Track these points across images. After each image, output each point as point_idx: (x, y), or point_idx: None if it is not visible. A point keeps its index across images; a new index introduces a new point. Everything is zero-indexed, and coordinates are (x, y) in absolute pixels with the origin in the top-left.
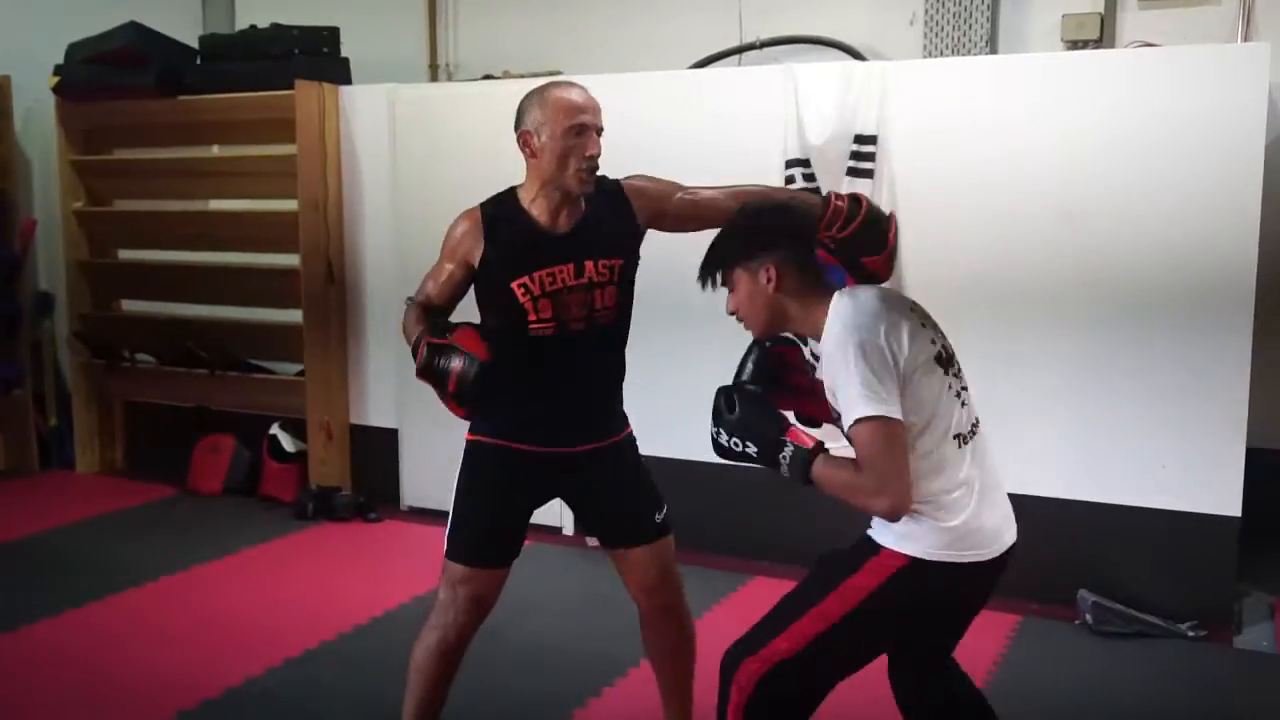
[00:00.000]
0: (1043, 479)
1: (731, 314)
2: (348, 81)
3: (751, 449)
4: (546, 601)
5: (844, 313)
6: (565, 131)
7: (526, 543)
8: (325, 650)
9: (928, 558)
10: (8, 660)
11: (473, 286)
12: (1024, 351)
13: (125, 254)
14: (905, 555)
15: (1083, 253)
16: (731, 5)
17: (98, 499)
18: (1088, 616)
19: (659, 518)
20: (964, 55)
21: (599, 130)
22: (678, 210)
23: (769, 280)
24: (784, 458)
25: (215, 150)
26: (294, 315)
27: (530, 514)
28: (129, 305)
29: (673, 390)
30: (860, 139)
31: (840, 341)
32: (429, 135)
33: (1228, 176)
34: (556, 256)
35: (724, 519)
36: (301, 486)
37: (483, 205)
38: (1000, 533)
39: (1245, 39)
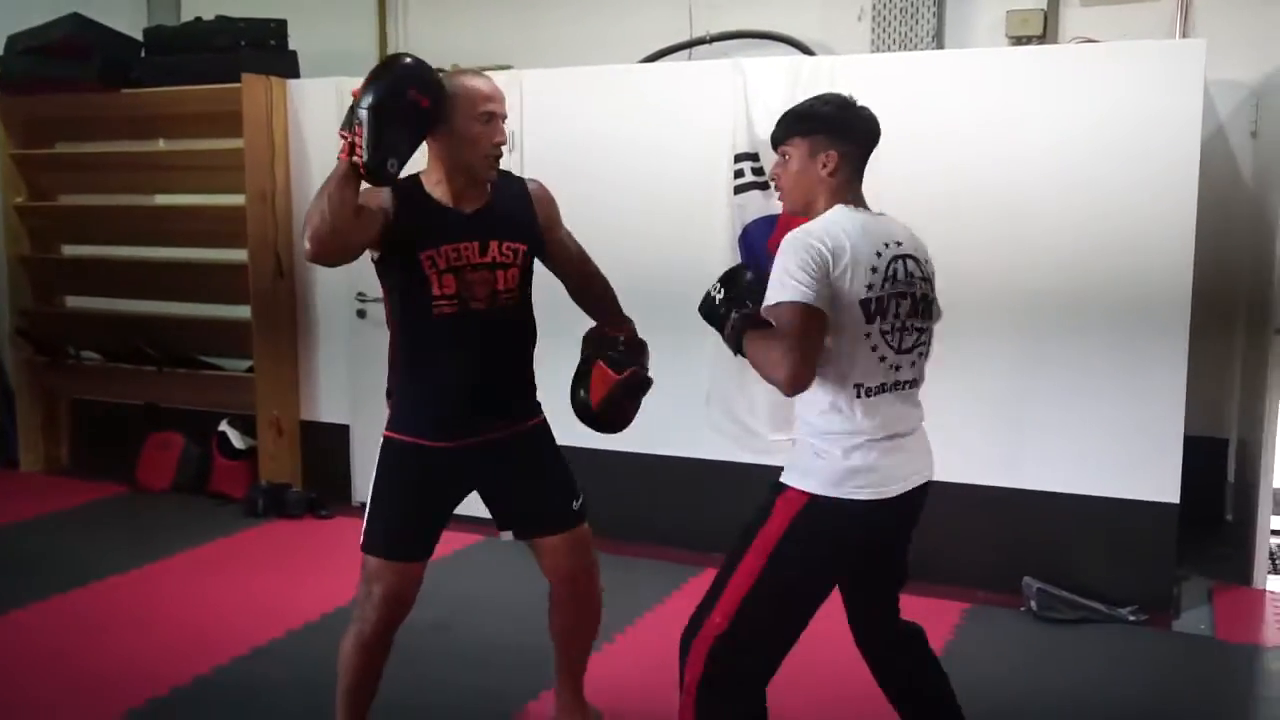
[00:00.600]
0: (989, 469)
1: (771, 180)
2: (296, 75)
3: (719, 295)
4: (492, 598)
5: (821, 220)
6: (474, 118)
7: (473, 539)
8: (276, 647)
9: (825, 493)
10: None
11: (377, 268)
12: (967, 344)
13: (70, 249)
14: (806, 492)
15: (1024, 246)
16: (682, 0)
17: (43, 497)
18: (1033, 603)
19: (575, 505)
20: (911, 50)
21: (504, 118)
22: (562, 241)
23: (825, 165)
24: (736, 313)
25: (161, 144)
26: (243, 310)
27: (447, 510)
28: (74, 301)
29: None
30: None
31: (798, 236)
32: None
33: (1165, 170)
34: (462, 234)
35: (683, 510)
36: (252, 483)
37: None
38: (905, 477)
39: (1183, 35)
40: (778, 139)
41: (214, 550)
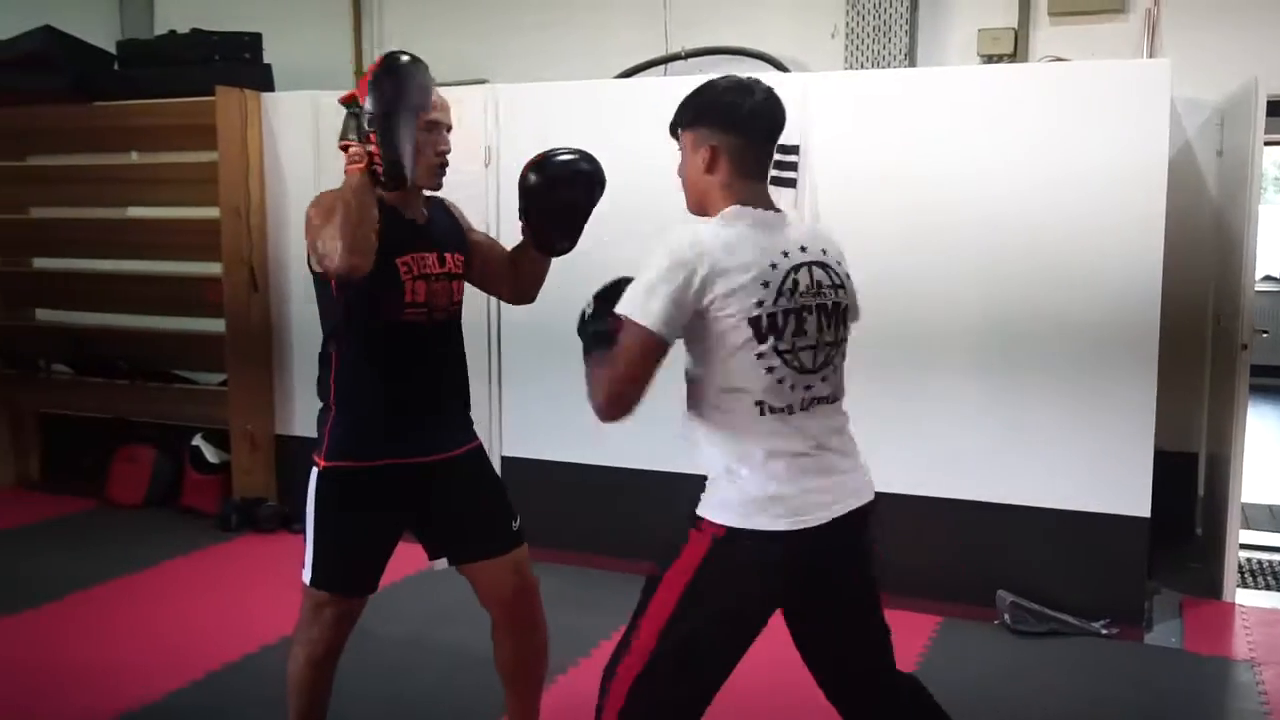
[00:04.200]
0: (962, 483)
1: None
2: (270, 88)
3: (588, 312)
4: (463, 611)
5: (705, 225)
6: (420, 127)
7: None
8: (248, 663)
9: (737, 525)
10: None
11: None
12: (941, 361)
13: (40, 262)
14: (718, 524)
15: (995, 261)
16: (657, 16)
17: (12, 512)
18: (1006, 616)
19: (514, 525)
20: (884, 68)
21: (449, 128)
22: (479, 239)
23: (703, 160)
24: (588, 329)
25: (134, 157)
26: (216, 324)
27: (391, 537)
28: (43, 314)
29: None
30: (783, 149)
31: (670, 244)
32: None
33: (1134, 187)
34: (423, 243)
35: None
36: (225, 498)
37: None
38: (829, 504)
39: (1150, 54)
40: (671, 129)
41: (186, 565)
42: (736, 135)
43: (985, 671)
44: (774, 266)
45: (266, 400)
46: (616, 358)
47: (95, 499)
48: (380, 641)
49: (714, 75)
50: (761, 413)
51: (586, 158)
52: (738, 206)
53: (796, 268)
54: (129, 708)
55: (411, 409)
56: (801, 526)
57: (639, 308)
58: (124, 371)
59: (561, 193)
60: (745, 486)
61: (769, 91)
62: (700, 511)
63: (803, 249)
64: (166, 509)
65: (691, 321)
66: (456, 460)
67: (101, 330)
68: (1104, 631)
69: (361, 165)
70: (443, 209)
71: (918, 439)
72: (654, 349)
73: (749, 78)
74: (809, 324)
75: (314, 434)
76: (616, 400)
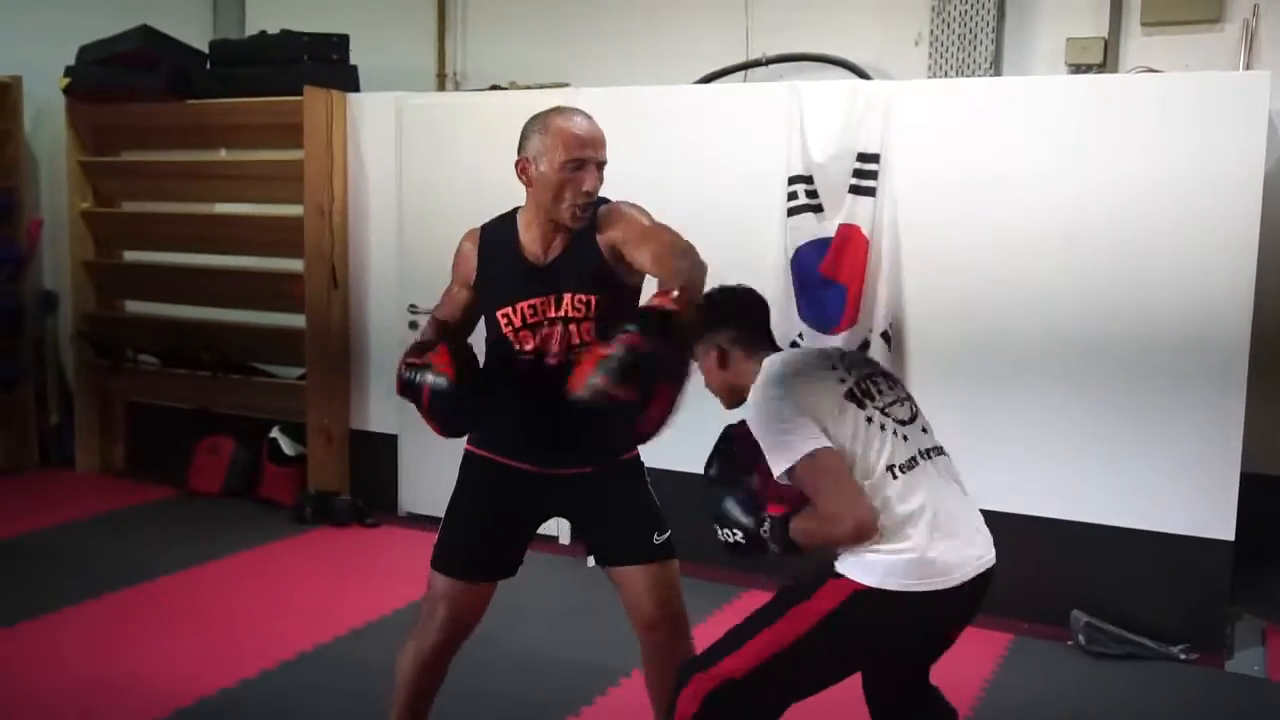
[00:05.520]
0: (1038, 500)
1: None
2: (356, 89)
3: (740, 538)
4: (540, 609)
5: (760, 381)
6: (563, 165)
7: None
8: (320, 653)
9: (882, 587)
10: (3, 657)
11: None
12: (1022, 374)
13: (131, 255)
14: (859, 584)
15: (1082, 276)
16: (739, 22)
17: (97, 498)
18: (1080, 637)
19: (658, 538)
20: (968, 76)
21: (600, 164)
22: (634, 254)
23: (713, 363)
24: (764, 532)
25: (223, 154)
26: (297, 319)
27: (525, 531)
28: (133, 306)
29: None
30: (863, 157)
31: (755, 405)
32: (435, 143)
33: (1227, 203)
34: (538, 289)
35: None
36: (300, 490)
37: (484, 225)
38: (962, 562)
39: (1247, 66)
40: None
41: (262, 555)
42: (731, 329)
43: (1058, 692)
44: (826, 356)
45: (343, 395)
46: (826, 485)
47: (176, 487)
48: None
49: (794, 81)
50: (894, 476)
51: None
52: (766, 361)
53: (841, 353)
54: (205, 694)
55: (528, 432)
56: (938, 588)
57: (795, 447)
58: (207, 363)
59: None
60: (888, 550)
61: (737, 291)
62: (840, 568)
63: (830, 349)
64: (244, 499)
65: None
66: (591, 476)
67: (187, 322)
68: (1183, 656)
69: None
70: (588, 239)
71: (995, 453)
72: (834, 460)
73: (722, 287)
74: (881, 385)
75: (387, 430)
76: (863, 513)
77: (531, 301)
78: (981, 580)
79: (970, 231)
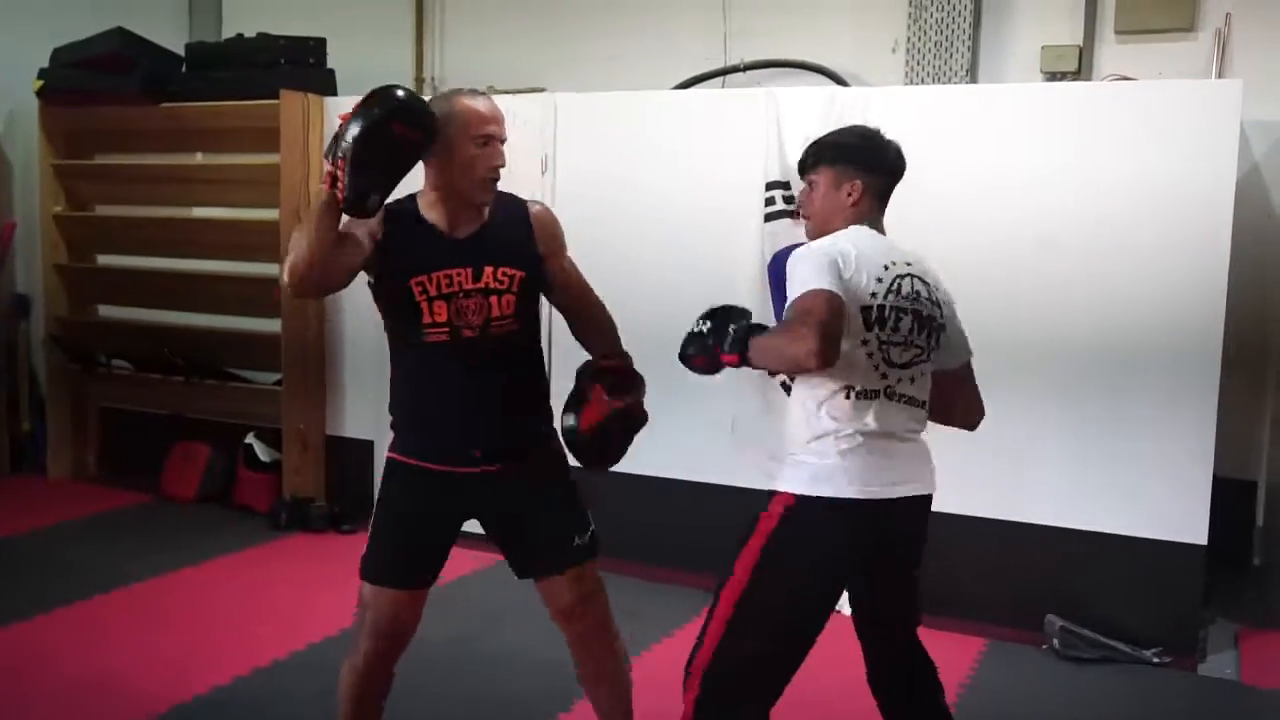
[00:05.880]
0: (1013, 504)
1: (797, 209)
2: (333, 92)
3: (706, 326)
4: (517, 611)
5: (832, 235)
6: (472, 141)
7: (497, 557)
8: (295, 660)
9: (806, 493)
10: None
11: (372, 292)
12: (997, 379)
13: (104, 259)
14: (788, 494)
15: (1056, 281)
16: (717, 28)
17: (69, 504)
18: (1055, 641)
19: (580, 540)
20: (944, 83)
21: (503, 141)
22: (564, 269)
23: (849, 195)
24: (731, 330)
25: (199, 158)
26: (273, 324)
27: (447, 536)
28: (107, 310)
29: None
30: None
31: (804, 249)
32: None
33: (1199, 208)
34: (454, 259)
35: (709, 534)
36: (276, 496)
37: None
38: (895, 481)
39: (1219, 74)
40: (805, 167)
41: (236, 561)
42: (875, 175)
43: (1033, 698)
44: (885, 268)
45: (319, 401)
46: (811, 314)
47: (150, 493)
48: (432, 642)
49: (772, 88)
50: (847, 396)
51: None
52: (856, 226)
53: (902, 275)
54: (180, 700)
55: (446, 422)
56: (867, 497)
57: (814, 284)
58: (181, 368)
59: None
60: (818, 459)
61: (895, 143)
62: (774, 487)
63: (908, 264)
64: (219, 505)
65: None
66: (513, 471)
67: (161, 327)
68: (1156, 660)
69: (327, 186)
70: (516, 220)
71: (968, 458)
72: (841, 306)
73: (877, 130)
74: (904, 324)
75: (364, 436)
76: (825, 347)
77: (448, 271)
78: (916, 506)
79: (946, 237)
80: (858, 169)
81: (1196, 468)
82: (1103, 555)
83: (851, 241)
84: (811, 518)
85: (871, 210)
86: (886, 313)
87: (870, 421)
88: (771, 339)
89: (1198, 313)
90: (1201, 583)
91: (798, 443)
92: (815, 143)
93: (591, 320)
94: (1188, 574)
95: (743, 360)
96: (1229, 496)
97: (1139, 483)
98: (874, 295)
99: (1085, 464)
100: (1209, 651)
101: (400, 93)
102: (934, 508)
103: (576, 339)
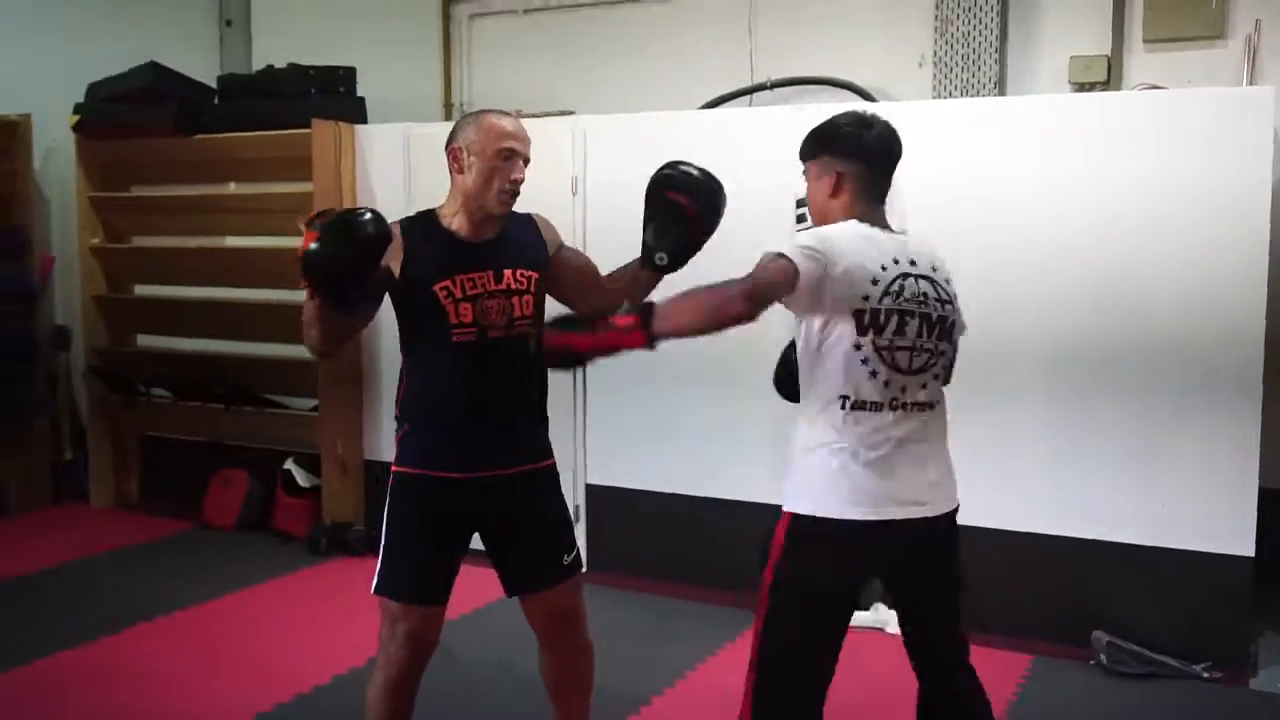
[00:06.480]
0: (1058, 519)
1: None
2: (364, 120)
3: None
4: None
5: (823, 229)
6: (495, 154)
7: None
8: (336, 684)
9: (808, 513)
10: (19, 693)
11: (392, 302)
12: (1034, 392)
13: (142, 289)
14: (792, 513)
15: (1092, 293)
16: (743, 46)
17: (112, 532)
18: (1102, 657)
19: (567, 559)
20: (972, 97)
21: (526, 160)
22: (567, 255)
23: (828, 186)
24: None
25: (232, 188)
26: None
27: (464, 544)
28: (145, 340)
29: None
30: None
31: (796, 237)
32: (443, 172)
33: (1235, 218)
34: (477, 263)
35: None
36: (315, 521)
37: (398, 221)
38: (904, 502)
39: (1250, 82)
40: (800, 160)
41: (277, 587)
42: (859, 161)
43: (1081, 713)
44: (884, 269)
45: (356, 425)
46: (762, 269)
47: (190, 521)
48: (463, 664)
49: (799, 105)
50: (843, 406)
51: (707, 174)
52: (855, 220)
53: (904, 275)
54: None
55: (470, 423)
56: (871, 519)
57: (781, 251)
58: (220, 396)
59: (669, 196)
60: (817, 471)
61: (886, 124)
62: (783, 506)
63: (912, 262)
64: (259, 532)
65: (810, 298)
66: (519, 481)
67: (199, 356)
68: (1206, 675)
69: (309, 295)
70: (527, 226)
71: (1010, 472)
72: (790, 275)
73: (869, 113)
74: (910, 327)
75: None
76: (759, 289)
77: (471, 275)
78: (916, 529)
79: (977, 250)
80: (835, 158)
81: (1242, 479)
82: (1149, 569)
83: (840, 237)
84: (815, 537)
85: (860, 199)
86: (884, 317)
87: (870, 437)
88: (695, 292)
89: (1238, 321)
90: (1250, 595)
91: (796, 450)
92: (814, 129)
93: (601, 277)
94: (1235, 586)
95: (644, 327)
96: (1276, 507)
97: (1184, 495)
98: (867, 299)
99: (1129, 477)
100: (1260, 666)
101: (366, 226)
102: (974, 522)
103: (593, 304)
